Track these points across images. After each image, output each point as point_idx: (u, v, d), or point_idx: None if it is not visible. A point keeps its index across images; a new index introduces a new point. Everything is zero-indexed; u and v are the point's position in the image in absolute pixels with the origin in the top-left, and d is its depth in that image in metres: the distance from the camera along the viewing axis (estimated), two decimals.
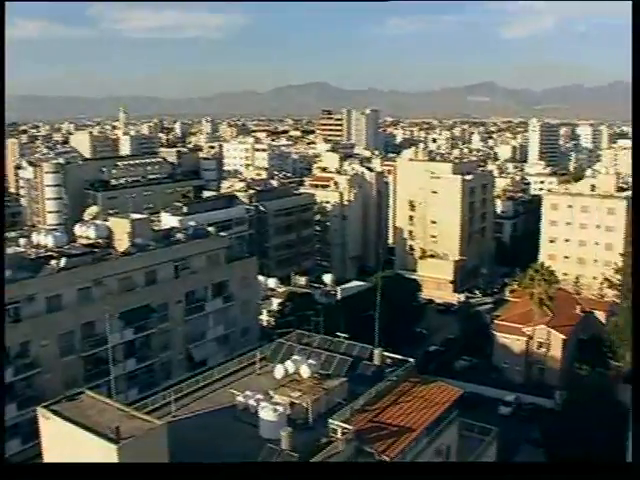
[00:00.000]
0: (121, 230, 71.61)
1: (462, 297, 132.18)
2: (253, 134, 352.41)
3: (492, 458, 52.92)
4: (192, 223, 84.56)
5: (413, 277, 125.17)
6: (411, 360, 52.50)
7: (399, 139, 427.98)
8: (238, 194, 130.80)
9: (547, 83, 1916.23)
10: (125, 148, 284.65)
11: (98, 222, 76.60)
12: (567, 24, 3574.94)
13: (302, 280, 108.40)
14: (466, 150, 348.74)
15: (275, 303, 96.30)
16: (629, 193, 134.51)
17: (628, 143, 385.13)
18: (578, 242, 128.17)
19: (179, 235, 77.24)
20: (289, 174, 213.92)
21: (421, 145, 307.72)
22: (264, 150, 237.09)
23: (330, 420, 40.91)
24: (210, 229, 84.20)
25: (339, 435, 40.06)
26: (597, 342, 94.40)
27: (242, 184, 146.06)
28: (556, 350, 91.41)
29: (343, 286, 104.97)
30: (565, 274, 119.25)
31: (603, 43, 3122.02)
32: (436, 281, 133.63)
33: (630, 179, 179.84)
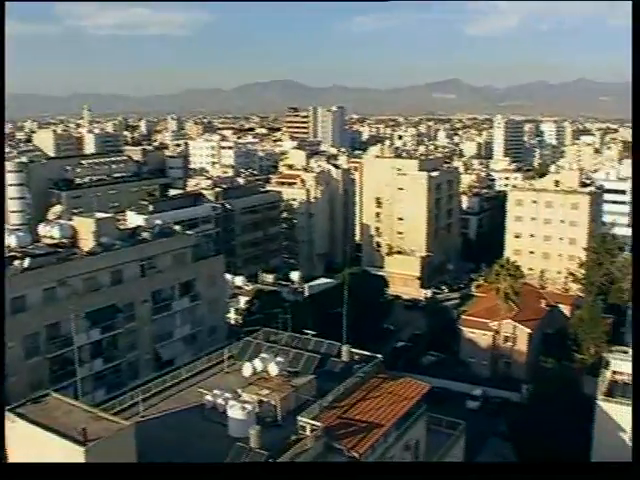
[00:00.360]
0: (86, 229, 70.77)
1: (429, 293, 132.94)
2: (219, 132, 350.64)
3: (460, 452, 53.41)
4: (158, 222, 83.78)
5: (380, 274, 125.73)
6: (379, 356, 52.78)
7: (365, 136, 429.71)
8: (204, 192, 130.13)
9: (511, 80, 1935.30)
10: (89, 146, 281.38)
11: (62, 221, 75.76)
12: (531, 22, 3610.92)
13: (269, 278, 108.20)
14: (432, 147, 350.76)
15: (242, 301, 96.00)
16: (592, 188, 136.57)
17: (590, 139, 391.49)
18: (543, 237, 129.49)
19: (145, 234, 76.58)
20: (255, 172, 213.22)
21: (387, 142, 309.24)
22: (230, 148, 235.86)
23: (299, 417, 40.96)
24: (176, 228, 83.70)
25: (308, 432, 40.11)
26: (562, 335, 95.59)
27: (208, 182, 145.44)
28: (522, 344, 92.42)
29: (310, 283, 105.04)
30: (530, 269, 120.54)
31: (566, 41, 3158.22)
32: (403, 277, 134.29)
33: (593, 175, 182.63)
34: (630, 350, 72.03)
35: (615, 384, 64.56)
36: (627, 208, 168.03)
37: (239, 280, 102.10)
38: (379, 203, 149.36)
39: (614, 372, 65.70)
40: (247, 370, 48.10)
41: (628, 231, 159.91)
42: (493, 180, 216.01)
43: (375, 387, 48.27)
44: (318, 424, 40.70)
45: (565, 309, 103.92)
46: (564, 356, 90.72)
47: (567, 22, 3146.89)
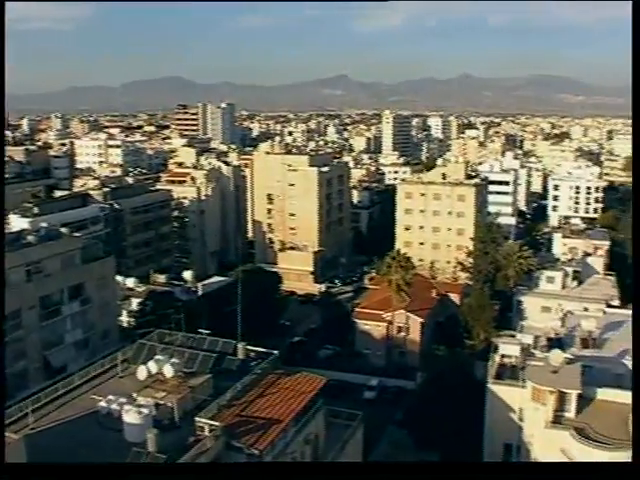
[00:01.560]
0: None
1: (323, 287, 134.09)
2: (106, 130, 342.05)
3: (359, 443, 54.15)
4: (44, 224, 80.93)
5: (274, 270, 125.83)
6: (275, 352, 52.95)
7: (255, 133, 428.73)
8: (92, 192, 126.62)
9: (399, 76, 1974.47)
10: None
11: None
12: (417, 19, 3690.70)
13: (162, 278, 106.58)
14: (322, 142, 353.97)
15: (135, 303, 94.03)
16: (477, 180, 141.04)
17: (475, 133, 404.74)
18: (432, 228, 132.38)
19: (30, 237, 73.86)
20: (145, 170, 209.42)
21: (277, 138, 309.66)
22: (118, 146, 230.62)
23: (197, 418, 40.60)
24: (63, 230, 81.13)
25: (207, 432, 39.84)
26: (453, 323, 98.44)
27: (96, 182, 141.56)
28: (415, 333, 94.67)
29: (204, 282, 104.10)
30: (421, 260, 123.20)
31: (451, 38, 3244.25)
32: (297, 273, 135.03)
33: (478, 167, 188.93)
34: (517, 334, 75.14)
35: (504, 367, 66.94)
36: (510, 198, 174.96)
37: (131, 281, 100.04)
38: (271, 199, 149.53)
39: (502, 356, 68.08)
40: (142, 373, 47.26)
41: (512, 220, 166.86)
42: (383, 174, 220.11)
43: (272, 383, 48.35)
44: (216, 423, 40.49)
45: (455, 297, 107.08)
46: (455, 343, 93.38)
47: (452, 19, 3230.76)
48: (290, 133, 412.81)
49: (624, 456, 51.98)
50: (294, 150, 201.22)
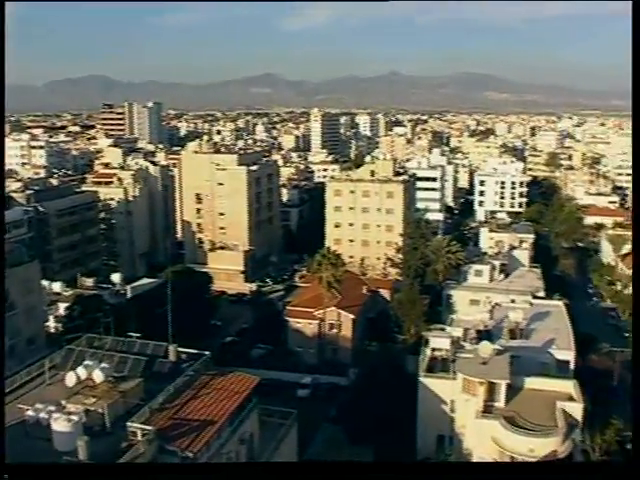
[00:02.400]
0: None
1: (254, 286, 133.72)
2: (28, 131, 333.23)
3: (294, 440, 54.25)
4: None
5: (204, 270, 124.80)
6: (207, 353, 52.58)
7: (183, 132, 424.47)
8: (14, 195, 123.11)
9: (327, 74, 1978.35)
10: None
11: None
12: (345, 19, 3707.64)
13: (89, 281, 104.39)
14: (250, 141, 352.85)
15: (62, 308, 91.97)
16: (405, 177, 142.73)
17: (402, 130, 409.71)
18: (362, 225, 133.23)
19: None
20: (70, 172, 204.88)
21: (206, 137, 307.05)
22: (41, 147, 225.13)
23: (128, 423, 40.01)
24: None
25: (139, 437, 39.30)
26: (384, 319, 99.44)
27: (18, 184, 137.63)
28: (347, 330, 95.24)
29: (133, 284, 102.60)
30: (351, 257, 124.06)
31: (382, 37, 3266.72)
32: (227, 272, 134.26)
33: (406, 164, 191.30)
34: (447, 327, 76.44)
35: (435, 360, 68.08)
36: (438, 194, 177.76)
37: (57, 286, 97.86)
38: (199, 199, 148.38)
39: (433, 349, 69.20)
40: (70, 379, 46.28)
41: (439, 216, 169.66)
42: (312, 172, 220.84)
43: (205, 384, 48.05)
44: (149, 428, 39.96)
45: (385, 293, 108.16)
46: (387, 338, 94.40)
47: (380, 19, 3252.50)
48: (218, 132, 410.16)
49: (552, 442, 53.65)
50: (223, 149, 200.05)
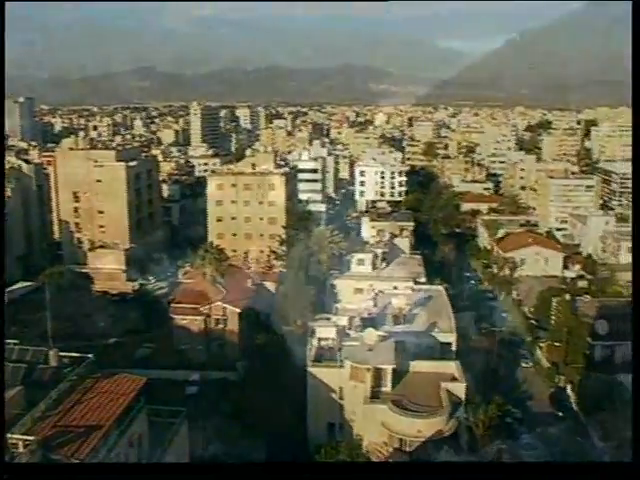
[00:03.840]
0: None
1: (137, 285, 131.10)
2: None
3: (184, 439, 53.79)
4: None
5: (84, 270, 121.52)
6: (90, 356, 51.30)
7: (58, 128, 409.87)
8: None
9: (206, 67, 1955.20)
10: None
11: None
12: (225, 12, 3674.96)
13: None
14: (129, 136, 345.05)
15: None
16: (286, 169, 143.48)
17: (283, 123, 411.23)
18: (244, 219, 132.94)
19: None
20: None
21: (82, 133, 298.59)
22: None
23: (9, 435, 38.53)
24: None
25: (21, 449, 37.90)
26: (271, 311, 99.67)
27: None
28: (233, 324, 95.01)
29: (8, 289, 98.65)
30: (234, 250, 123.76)
31: (258, 30, 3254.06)
32: (108, 272, 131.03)
33: (287, 156, 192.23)
34: (332, 317, 77.63)
35: (322, 350, 69.08)
36: (319, 186, 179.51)
37: None
38: (77, 197, 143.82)
39: (320, 339, 70.19)
40: None
41: (322, 207, 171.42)
42: (193, 167, 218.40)
43: (90, 388, 46.89)
44: (31, 438, 38.63)
45: (270, 286, 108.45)
46: (274, 330, 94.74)
47: (263, 14, 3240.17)
48: (95, 127, 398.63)
49: (438, 421, 55.57)
50: (100, 145, 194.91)
